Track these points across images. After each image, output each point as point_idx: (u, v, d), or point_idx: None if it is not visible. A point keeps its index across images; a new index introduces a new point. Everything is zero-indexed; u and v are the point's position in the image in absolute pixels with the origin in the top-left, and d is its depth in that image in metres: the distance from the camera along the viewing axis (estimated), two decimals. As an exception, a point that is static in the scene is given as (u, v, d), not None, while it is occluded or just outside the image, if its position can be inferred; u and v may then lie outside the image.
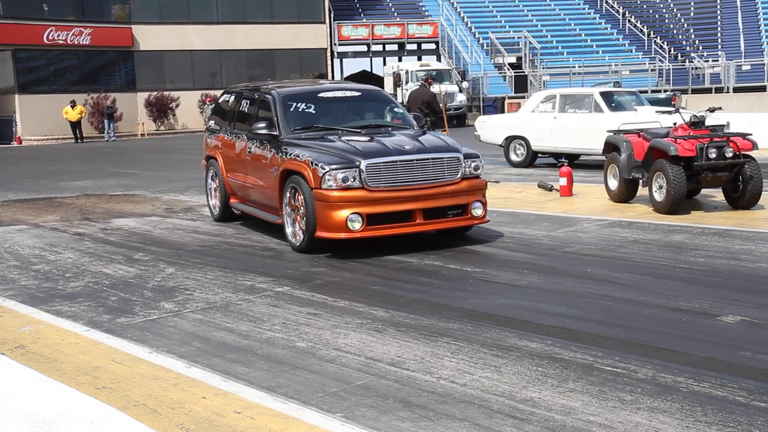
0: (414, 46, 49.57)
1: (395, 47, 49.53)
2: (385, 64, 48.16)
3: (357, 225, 8.72)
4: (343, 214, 8.69)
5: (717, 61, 41.57)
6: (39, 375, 5.47)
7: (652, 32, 46.39)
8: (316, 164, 8.85)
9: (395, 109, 11.15)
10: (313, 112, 10.28)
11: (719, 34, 45.98)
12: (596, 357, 5.50)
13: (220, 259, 9.29)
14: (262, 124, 9.90)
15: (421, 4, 50.81)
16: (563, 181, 13.07)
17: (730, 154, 10.84)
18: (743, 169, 10.95)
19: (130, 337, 6.34)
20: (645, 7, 49.57)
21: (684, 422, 4.43)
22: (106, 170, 22.11)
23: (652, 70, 41.77)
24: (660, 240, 9.45)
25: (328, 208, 8.74)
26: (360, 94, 11.10)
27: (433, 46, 48.83)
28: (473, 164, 9.41)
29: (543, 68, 44.07)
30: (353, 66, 53.98)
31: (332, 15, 47.01)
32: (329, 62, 46.67)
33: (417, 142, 9.42)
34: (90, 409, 4.81)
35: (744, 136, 11.19)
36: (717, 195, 12.05)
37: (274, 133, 9.85)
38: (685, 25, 47.68)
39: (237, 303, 7.28)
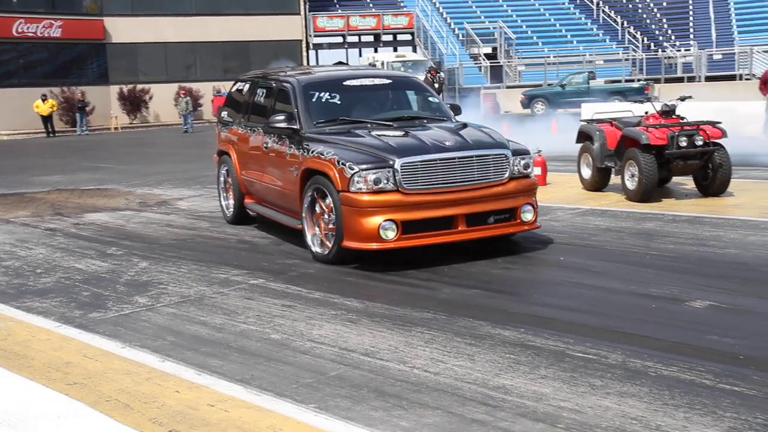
0: (389, 37, 49.54)
1: (371, 38, 49.45)
2: (360, 55, 48.07)
3: (390, 234, 7.62)
4: (375, 221, 7.57)
5: (689, 50, 41.85)
6: (7, 372, 5.43)
7: (625, 22, 46.60)
8: (343, 163, 7.75)
9: (430, 99, 9.95)
10: (339, 102, 9.18)
11: (691, 24, 46.28)
12: (568, 344, 5.56)
13: (195, 253, 9.27)
14: (281, 117, 8.81)
15: (395, -6, 50.75)
16: (537, 171, 13.11)
17: (700, 143, 10.96)
18: (713, 157, 11.08)
19: (102, 332, 6.30)
20: (632, 7, 49.77)
21: (652, 405, 4.49)
22: (78, 164, 21.95)
23: (625, 60, 41.99)
24: (632, 228, 9.54)
25: (357, 215, 7.64)
26: (390, 81, 9.98)
27: (408, 36, 48.82)
28: (523, 162, 8.31)
29: (518, 59, 44.20)
30: (329, 57, 53.64)
31: (307, 6, 46.90)
32: (305, 53, 46.54)
33: (458, 137, 8.28)
34: (60, 405, 4.80)
35: (714, 124, 11.30)
36: (688, 182, 12.16)
37: (295, 126, 8.75)
38: (658, 15, 47.93)
39: (211, 296, 7.27)
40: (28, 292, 7.71)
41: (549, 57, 42.32)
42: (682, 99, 12.21)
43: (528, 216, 8.30)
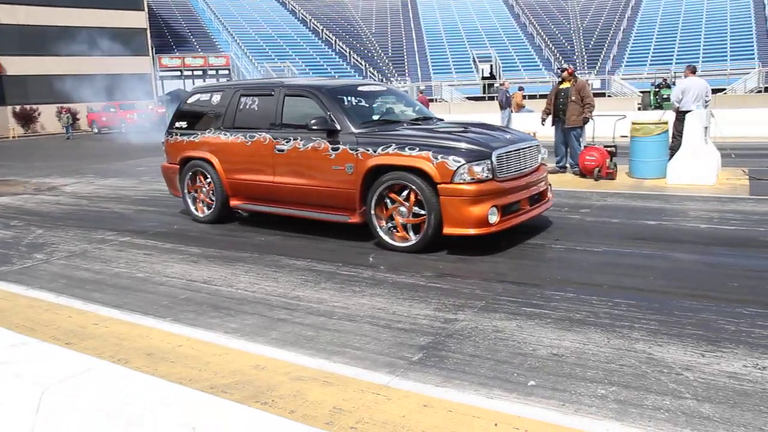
0: (214, 72, 47.28)
1: (200, 73, 46.93)
2: (194, 84, 45.58)
3: (494, 218, 5.66)
4: (483, 208, 5.59)
5: (406, 83, 43.41)
6: (-65, 313, 4.74)
7: (367, 64, 47.52)
8: (443, 158, 5.65)
9: (414, 103, 7.76)
10: (366, 105, 6.95)
11: (406, 67, 48.01)
12: (338, 266, 5.63)
13: (78, 221, 8.43)
14: (316, 120, 6.38)
15: (216, 42, 48.48)
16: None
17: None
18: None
19: (10, 280, 5.63)
20: (370, 55, 50.62)
21: (390, 300, 4.67)
22: (-16, 163, 19.28)
23: (368, 89, 42.86)
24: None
25: (464, 204, 5.58)
26: (386, 89, 7.64)
27: (226, 72, 46.83)
28: (544, 150, 6.72)
29: (300, 88, 43.70)
30: (171, 86, 50.55)
31: (154, 50, 43.81)
32: (154, 84, 43.49)
33: (505, 133, 6.46)
34: (-22, 333, 4.25)
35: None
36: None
37: (336, 128, 6.38)
38: (387, 61, 49.27)
39: (92, 251, 6.68)
40: (-54, 256, 6.72)
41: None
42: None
43: (550, 194, 6.72)
